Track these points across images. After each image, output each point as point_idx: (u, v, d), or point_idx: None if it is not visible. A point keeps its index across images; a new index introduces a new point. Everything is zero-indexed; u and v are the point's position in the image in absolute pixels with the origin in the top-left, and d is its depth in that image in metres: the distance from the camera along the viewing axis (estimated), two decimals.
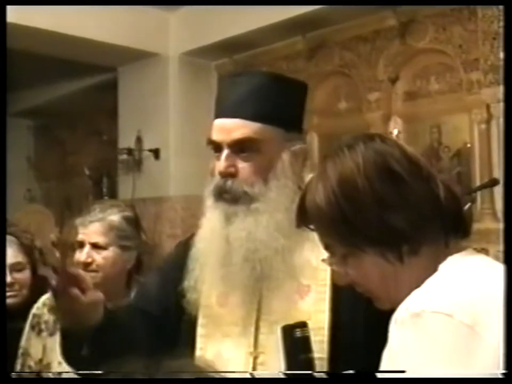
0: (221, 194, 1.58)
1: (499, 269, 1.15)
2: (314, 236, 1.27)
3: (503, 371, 1.00)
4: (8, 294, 2.52)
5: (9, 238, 2.65)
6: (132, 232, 2.43)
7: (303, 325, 1.43)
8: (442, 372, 1.02)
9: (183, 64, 4.78)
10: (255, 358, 1.54)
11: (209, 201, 1.61)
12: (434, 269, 1.16)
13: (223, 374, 0.92)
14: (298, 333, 1.41)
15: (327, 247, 1.25)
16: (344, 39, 4.26)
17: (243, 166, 1.56)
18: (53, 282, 1.54)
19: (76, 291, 1.52)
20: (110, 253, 2.35)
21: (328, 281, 1.51)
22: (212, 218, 1.61)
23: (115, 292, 2.40)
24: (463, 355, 1.02)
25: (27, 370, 2.32)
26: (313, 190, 1.22)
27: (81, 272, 1.61)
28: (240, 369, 1.51)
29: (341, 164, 1.20)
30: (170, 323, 1.68)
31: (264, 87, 1.59)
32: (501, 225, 3.29)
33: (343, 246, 1.20)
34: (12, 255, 2.56)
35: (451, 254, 1.18)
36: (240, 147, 1.56)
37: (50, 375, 2.23)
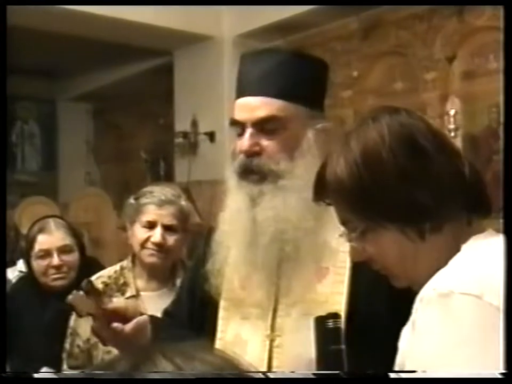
0: (247, 174, 1.54)
1: None
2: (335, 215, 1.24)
3: (503, 371, 0.96)
4: (56, 276, 2.57)
5: (57, 220, 2.71)
6: (190, 217, 2.45)
7: (335, 316, 1.41)
8: (468, 353, 0.99)
9: (238, 46, 4.75)
10: (272, 341, 1.53)
11: (232, 181, 1.58)
12: (455, 248, 1.12)
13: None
14: (330, 324, 1.39)
15: (344, 223, 1.21)
16: (399, 18, 4.16)
17: (268, 144, 1.53)
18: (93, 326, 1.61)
19: (116, 325, 1.57)
20: (179, 236, 2.37)
21: (347, 264, 1.47)
22: (236, 200, 1.57)
23: (164, 278, 2.42)
24: (491, 337, 0.99)
25: (76, 350, 2.37)
26: (335, 162, 1.17)
27: (121, 303, 1.69)
28: (257, 352, 1.51)
29: (365, 135, 1.16)
30: (198, 308, 1.69)
31: (285, 64, 1.55)
32: None
33: (362, 221, 1.16)
34: (60, 237, 2.60)
35: (473, 233, 1.14)
36: (264, 125, 1.53)
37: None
